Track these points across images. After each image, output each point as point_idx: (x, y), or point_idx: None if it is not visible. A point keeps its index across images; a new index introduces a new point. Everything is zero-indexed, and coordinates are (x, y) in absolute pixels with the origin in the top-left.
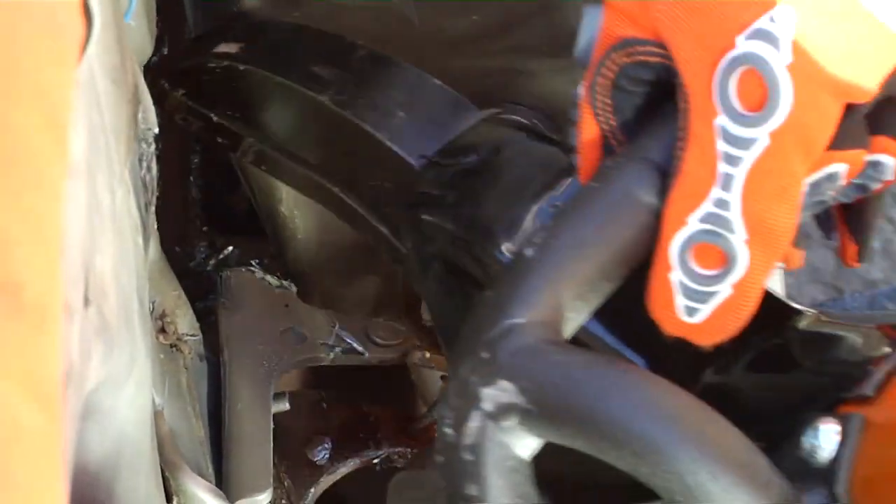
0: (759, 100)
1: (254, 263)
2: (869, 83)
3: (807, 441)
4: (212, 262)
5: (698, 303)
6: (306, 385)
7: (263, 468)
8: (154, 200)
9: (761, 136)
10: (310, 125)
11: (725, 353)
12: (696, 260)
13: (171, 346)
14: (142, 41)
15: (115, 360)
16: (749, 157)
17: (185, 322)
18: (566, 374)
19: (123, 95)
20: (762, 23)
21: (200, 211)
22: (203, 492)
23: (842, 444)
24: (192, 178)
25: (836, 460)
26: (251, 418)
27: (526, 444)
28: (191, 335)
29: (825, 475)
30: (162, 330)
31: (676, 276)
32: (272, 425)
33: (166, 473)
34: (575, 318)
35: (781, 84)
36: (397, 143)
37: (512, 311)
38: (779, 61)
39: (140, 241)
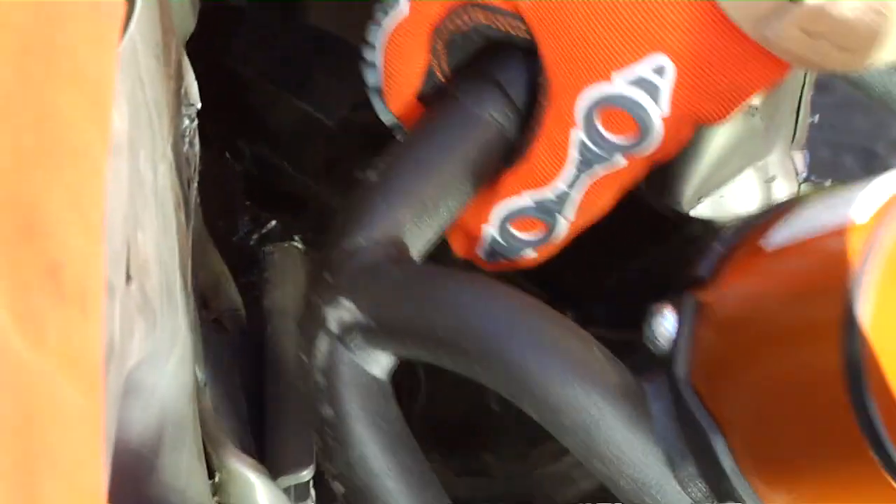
0: (626, 134)
1: (297, 238)
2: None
3: (648, 329)
4: (255, 236)
5: (501, 256)
6: None
7: (306, 444)
8: (196, 176)
9: (619, 157)
10: (246, 105)
11: (621, 260)
12: (516, 226)
13: (214, 320)
14: (184, 16)
15: (157, 337)
16: (601, 169)
17: (227, 297)
18: (400, 286)
19: (166, 71)
20: (645, 72)
21: (244, 185)
22: (246, 468)
23: (678, 329)
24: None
25: (673, 346)
26: (294, 394)
27: (376, 362)
28: (233, 310)
29: (666, 362)
30: (205, 305)
31: (490, 231)
32: None
33: (209, 449)
34: (422, 236)
35: (655, 131)
36: (310, 103)
37: (353, 232)
38: (657, 113)
39: (182, 216)
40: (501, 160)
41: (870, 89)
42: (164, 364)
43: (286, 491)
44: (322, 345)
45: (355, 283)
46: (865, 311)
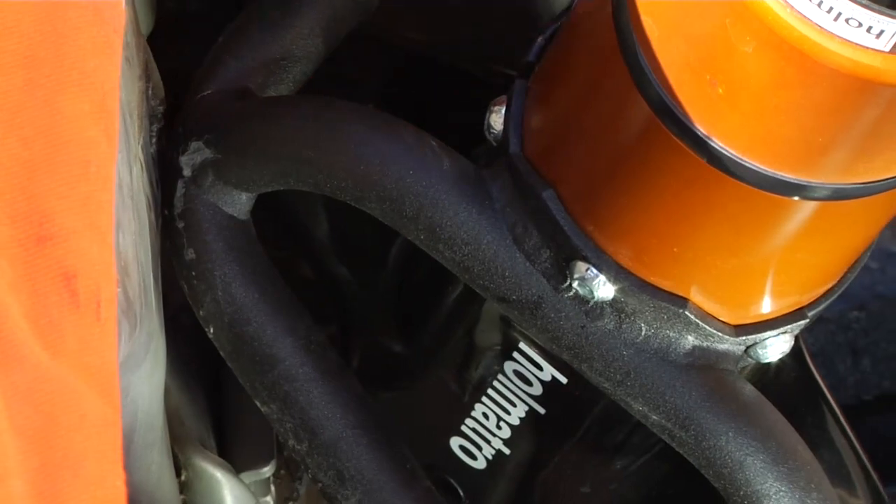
0: None
1: None
2: None
3: (485, 125)
4: None
5: None
6: None
7: (266, 439)
8: None
9: None
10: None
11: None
12: None
13: (172, 317)
14: (144, 16)
15: (136, 338)
16: None
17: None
18: (242, 114)
19: (135, 72)
20: None
21: None
22: (211, 466)
23: (507, 110)
24: None
25: (505, 127)
26: None
27: (231, 200)
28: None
29: (502, 147)
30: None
31: None
32: None
33: (174, 448)
34: (272, 85)
35: None
36: None
37: (202, 86)
38: None
39: (153, 216)
40: (350, 25)
41: None
42: (141, 365)
43: None
44: (179, 192)
45: (203, 124)
46: None
